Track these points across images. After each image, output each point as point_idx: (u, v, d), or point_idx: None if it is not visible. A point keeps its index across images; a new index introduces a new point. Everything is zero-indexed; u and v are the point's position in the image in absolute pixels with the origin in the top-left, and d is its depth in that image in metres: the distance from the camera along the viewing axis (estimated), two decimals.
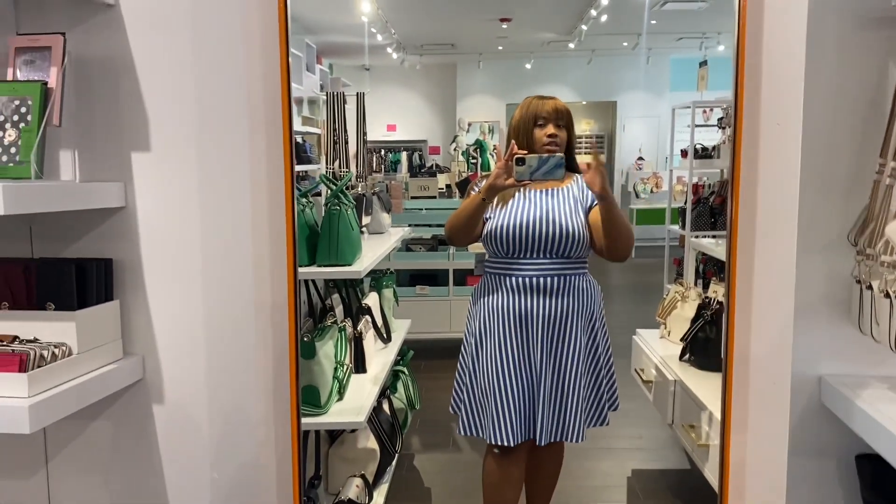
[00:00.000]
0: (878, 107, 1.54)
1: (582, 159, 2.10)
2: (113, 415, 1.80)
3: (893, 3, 1.44)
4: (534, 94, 2.33)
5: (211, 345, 1.75)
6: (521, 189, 2.23)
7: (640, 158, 11.52)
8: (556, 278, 2.17)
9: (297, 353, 1.47)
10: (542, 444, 2.20)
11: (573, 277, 2.20)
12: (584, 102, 13.03)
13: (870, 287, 1.46)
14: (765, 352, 1.47)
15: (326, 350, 2.25)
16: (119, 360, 1.72)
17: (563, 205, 2.20)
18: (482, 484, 2.34)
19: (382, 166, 11.17)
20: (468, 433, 2.25)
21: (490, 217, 2.22)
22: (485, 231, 2.22)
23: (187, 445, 1.81)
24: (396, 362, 3.06)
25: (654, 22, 8.54)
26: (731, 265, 1.44)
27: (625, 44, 10.54)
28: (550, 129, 2.21)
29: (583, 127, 13.49)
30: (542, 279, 2.17)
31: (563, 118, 2.24)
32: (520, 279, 2.17)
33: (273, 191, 1.39)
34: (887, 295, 1.39)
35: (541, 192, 2.23)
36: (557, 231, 2.15)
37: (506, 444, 2.16)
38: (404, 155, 12.21)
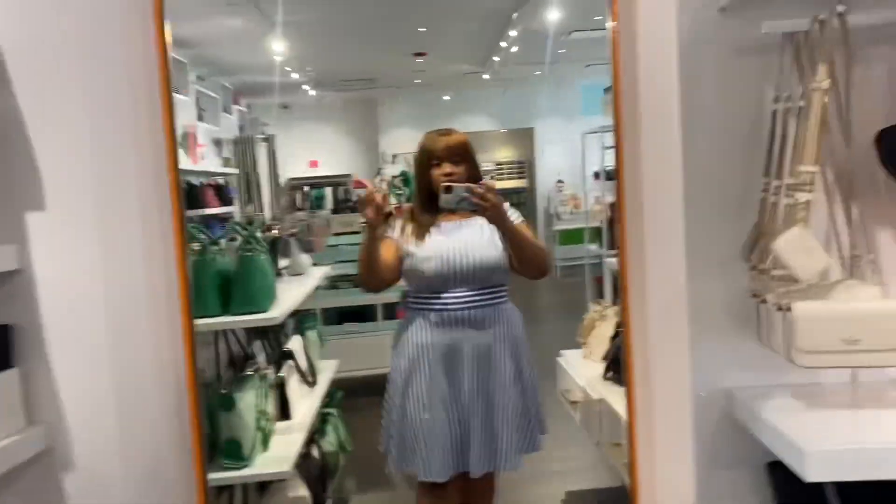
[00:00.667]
0: (760, 128, 1.63)
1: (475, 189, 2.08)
2: (19, 489, 1.71)
3: (764, 30, 1.54)
4: (454, 122, 2.38)
5: (120, 408, 1.69)
6: (436, 224, 2.25)
7: (560, 181, 11.79)
8: (478, 309, 2.19)
9: (197, 409, 1.43)
10: (477, 474, 2.19)
11: (495, 306, 2.22)
12: (504, 130, 13.28)
13: (764, 301, 1.53)
14: (665, 369, 1.51)
15: (247, 400, 2.20)
16: (21, 431, 1.65)
17: (479, 235, 2.22)
18: None
19: (307, 203, 11.08)
20: (400, 469, 2.23)
21: (409, 254, 2.23)
22: (404, 267, 2.23)
23: None
24: (325, 405, 3.01)
25: (562, 51, 8.80)
26: (623, 288, 1.49)
27: (537, 73, 10.82)
28: (446, 168, 2.20)
29: (504, 154, 13.74)
30: (464, 311, 2.18)
31: (457, 154, 2.22)
32: (443, 313, 2.18)
33: (167, 244, 1.36)
34: (780, 307, 1.46)
35: (456, 223, 2.25)
36: (476, 262, 2.17)
37: (438, 479, 2.14)
38: (328, 190, 12.14)
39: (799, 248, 1.39)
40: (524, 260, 2.18)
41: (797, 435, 1.33)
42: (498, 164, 13.37)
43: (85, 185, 1.65)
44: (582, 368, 3.08)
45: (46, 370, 1.68)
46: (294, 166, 10.50)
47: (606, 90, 4.56)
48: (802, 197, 1.41)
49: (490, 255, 2.18)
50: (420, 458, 2.16)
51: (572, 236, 9.94)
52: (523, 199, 13.20)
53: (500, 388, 2.19)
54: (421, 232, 2.23)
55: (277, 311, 2.24)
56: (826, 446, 1.29)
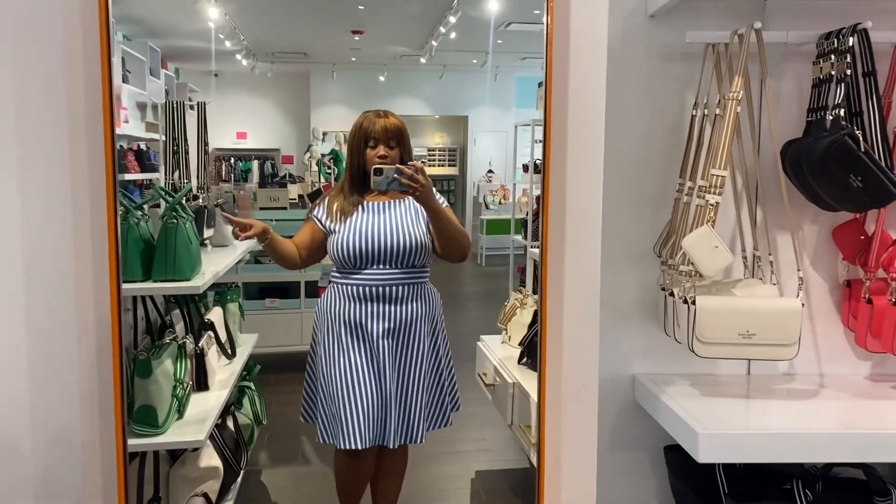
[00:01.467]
0: (680, 131, 1.72)
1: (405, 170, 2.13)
2: None
3: (688, 40, 1.62)
4: (388, 104, 2.39)
5: (34, 368, 1.66)
6: (364, 203, 2.28)
7: (490, 171, 11.91)
8: (398, 287, 2.25)
9: (121, 372, 1.42)
10: (393, 446, 2.26)
11: (415, 286, 2.29)
12: (437, 116, 13.30)
13: (672, 294, 1.63)
14: (575, 355, 1.59)
15: (164, 368, 2.17)
16: None
17: (404, 216, 2.28)
18: (334, 475, 2.41)
19: (232, 175, 10.83)
20: (326, 441, 2.29)
21: (334, 231, 2.27)
22: (329, 244, 2.27)
23: (9, 474, 1.70)
24: (242, 378, 3.00)
25: (500, 41, 8.89)
26: (542, 276, 1.55)
27: (474, 61, 10.87)
28: (381, 149, 2.25)
29: (436, 140, 13.76)
30: (385, 288, 2.24)
31: (393, 137, 2.27)
32: (364, 289, 2.24)
33: (96, 204, 1.34)
34: (685, 301, 1.56)
35: (382, 204, 2.30)
36: (398, 242, 2.23)
37: (356, 448, 2.21)
38: (255, 164, 11.91)
39: (705, 247, 1.48)
40: (447, 242, 2.24)
41: (692, 419, 1.43)
42: (430, 150, 13.38)
43: (7, 138, 1.61)
44: (500, 353, 3.17)
45: None
46: (221, 137, 10.24)
47: (540, 84, 4.66)
48: (712, 199, 1.51)
49: (414, 236, 2.24)
50: (341, 428, 2.22)
51: (498, 226, 10.08)
52: (453, 186, 13.30)
53: (417, 364, 2.28)
54: (348, 210, 2.27)
55: (200, 281, 2.22)
56: (718, 430, 1.39)
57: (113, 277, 1.35)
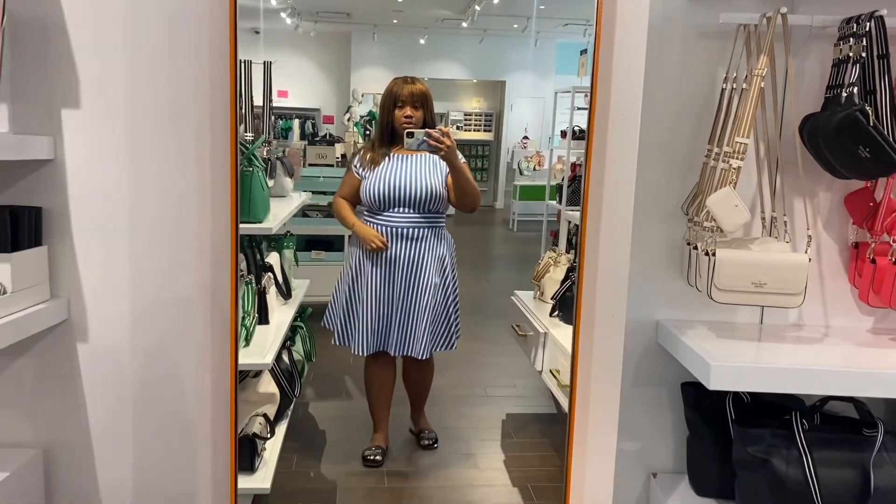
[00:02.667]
0: (711, 103, 1.91)
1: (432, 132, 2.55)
2: (38, 353, 1.94)
3: (721, 20, 1.80)
4: (426, 68, 2.83)
5: (136, 288, 1.92)
6: (391, 154, 2.77)
7: (526, 137, 12.01)
8: (416, 228, 2.74)
9: (236, 290, 1.67)
10: (395, 354, 2.82)
11: (431, 228, 2.77)
12: (475, 81, 13.36)
13: (695, 248, 1.83)
14: (607, 301, 1.79)
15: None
16: (46, 301, 1.87)
17: (424, 168, 2.75)
18: (364, 381, 3.00)
19: (273, 133, 11.07)
20: (338, 343, 2.88)
21: (365, 178, 2.77)
22: (362, 190, 2.77)
23: (110, 381, 1.98)
24: (295, 318, 3.27)
25: (542, 7, 8.96)
26: (582, 230, 1.76)
27: (515, 26, 10.93)
28: (408, 110, 2.72)
29: (473, 105, 13.83)
30: (404, 228, 2.74)
31: (419, 100, 2.73)
32: (386, 227, 2.74)
33: (216, 142, 1.57)
34: (707, 253, 1.76)
35: (406, 156, 2.77)
36: (417, 189, 2.70)
37: (362, 353, 2.80)
38: (296, 122, 12.13)
39: (726, 205, 1.68)
40: (462, 194, 2.72)
41: (706, 353, 1.64)
42: (466, 115, 13.47)
43: (117, 86, 1.84)
44: (532, 307, 3.40)
45: (71, 250, 1.90)
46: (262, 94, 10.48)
47: (583, 52, 4.80)
48: (735, 163, 1.70)
49: (431, 185, 2.71)
50: (355, 337, 2.81)
51: (531, 192, 10.22)
52: (487, 151, 13.41)
53: (424, 291, 2.77)
54: (377, 160, 2.76)
55: (272, 223, 2.48)
56: (727, 362, 1.61)
57: (232, 204, 1.58)
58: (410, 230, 2.73)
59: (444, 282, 2.81)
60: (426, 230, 2.76)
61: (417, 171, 2.73)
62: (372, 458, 2.86)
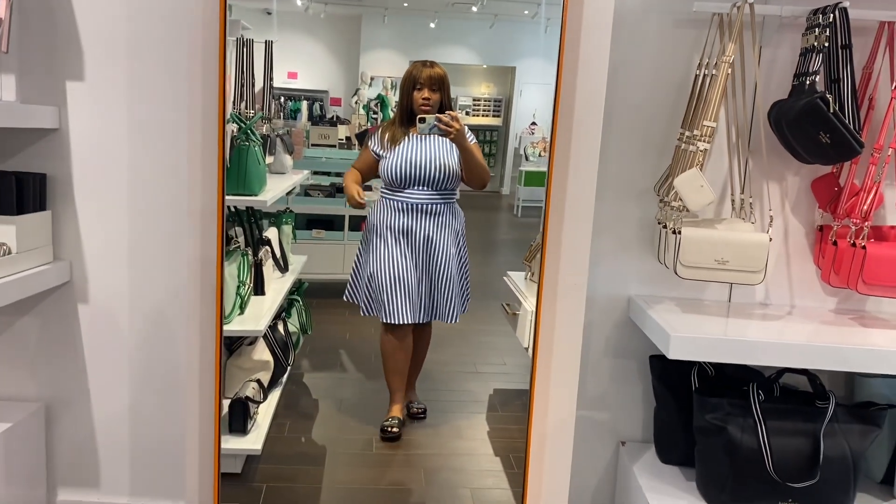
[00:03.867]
0: (685, 88, 1.99)
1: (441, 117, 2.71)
2: (41, 312, 2.06)
3: (694, 9, 1.88)
4: (436, 52, 2.96)
5: (134, 253, 2.03)
6: (409, 135, 2.91)
7: (533, 123, 12.03)
8: (433, 204, 2.90)
9: (222, 255, 1.77)
10: (423, 321, 2.96)
11: (446, 204, 2.94)
12: (485, 66, 13.38)
13: (665, 227, 1.92)
14: (569, 258, 1.83)
15: (231, 270, 2.54)
16: (50, 263, 1.98)
17: (440, 148, 2.90)
18: (381, 353, 3.07)
19: (282, 113, 11.14)
20: (368, 314, 2.99)
21: (385, 156, 2.91)
22: (380, 167, 2.92)
23: (108, 341, 2.09)
24: (292, 292, 3.37)
25: None
26: (547, 198, 1.84)
27: (525, 11, 10.92)
28: (425, 92, 2.87)
29: (482, 90, 13.84)
30: (423, 205, 2.89)
31: (436, 83, 2.88)
32: (406, 203, 2.89)
33: (206, 115, 1.66)
34: (674, 231, 1.85)
35: (426, 137, 2.91)
36: (435, 168, 2.86)
37: (398, 322, 2.91)
38: (304, 104, 12.20)
39: (692, 186, 1.76)
40: (472, 172, 2.90)
41: (668, 325, 1.73)
42: (475, 100, 13.48)
43: (120, 60, 1.94)
44: (522, 286, 3.49)
45: (73, 215, 2.01)
46: (272, 75, 10.55)
47: None
48: (702, 146, 1.79)
49: (447, 163, 2.87)
50: (385, 307, 2.93)
51: (536, 178, 10.26)
52: (496, 137, 13.45)
53: (446, 261, 2.95)
54: (397, 139, 2.91)
55: (267, 196, 2.58)
56: (686, 333, 1.70)
57: (220, 174, 1.68)
58: (429, 206, 2.90)
59: (459, 251, 3.02)
60: (443, 205, 2.92)
61: (435, 151, 2.89)
62: (391, 429, 2.90)
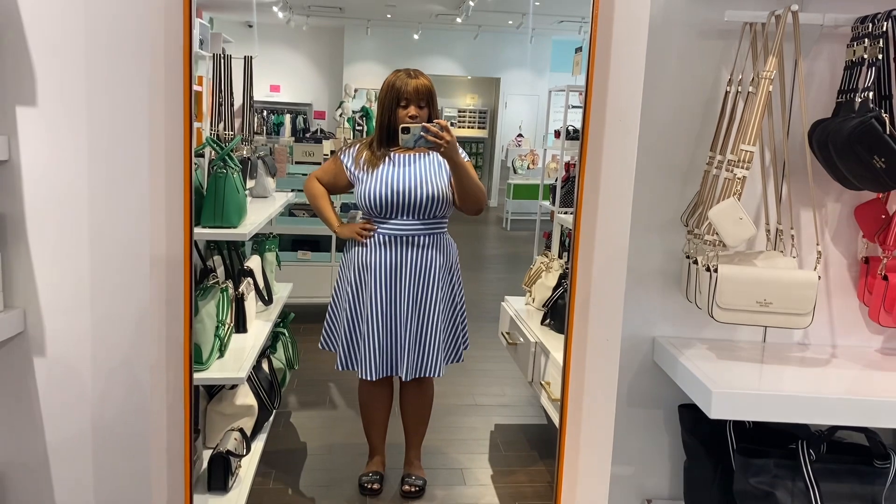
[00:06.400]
0: (713, 106, 1.79)
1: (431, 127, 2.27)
2: None
3: (726, 18, 1.68)
4: (420, 63, 2.57)
5: (96, 299, 1.79)
6: (390, 155, 2.48)
7: (520, 135, 11.90)
8: (420, 236, 2.46)
9: (191, 304, 1.55)
10: (407, 378, 2.50)
11: (435, 235, 2.50)
12: (470, 77, 13.24)
13: (695, 262, 1.71)
14: (601, 314, 1.68)
15: (209, 309, 2.31)
16: (0, 312, 1.74)
17: (428, 169, 2.47)
18: (359, 403, 2.74)
19: (264, 128, 10.93)
20: (343, 368, 2.56)
21: (361, 179, 2.47)
22: (357, 192, 2.48)
23: (69, 398, 1.85)
24: (277, 324, 3.14)
25: (537, 3, 8.84)
26: (575, 238, 1.64)
27: (510, 22, 10.81)
28: (412, 110, 2.41)
29: (467, 101, 13.72)
30: (408, 237, 2.45)
31: (423, 98, 2.42)
32: (389, 236, 2.46)
33: (171, 148, 1.45)
34: (708, 269, 1.64)
35: (407, 157, 2.50)
36: (423, 194, 2.42)
37: (371, 378, 2.49)
38: (288, 117, 12.02)
39: (730, 218, 1.56)
40: (466, 194, 2.43)
41: (707, 378, 1.52)
42: (460, 112, 13.38)
43: (78, 84, 1.71)
44: (523, 314, 3.28)
45: (27, 258, 1.76)
46: (255, 89, 10.36)
47: (577, 50, 4.68)
48: (740, 173, 1.58)
49: (437, 187, 2.43)
50: (360, 359, 2.49)
51: (525, 191, 10.14)
52: (482, 149, 13.29)
53: (433, 305, 2.49)
54: (376, 162, 2.46)
55: (246, 229, 2.35)
56: (730, 389, 1.49)
57: (186, 214, 1.46)
58: (415, 238, 2.45)
59: (451, 289, 2.57)
60: (432, 236, 2.47)
61: (422, 173, 2.44)
62: (370, 486, 2.64)
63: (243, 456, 2.38)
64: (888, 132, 1.48)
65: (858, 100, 1.55)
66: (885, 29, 1.52)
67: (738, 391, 1.49)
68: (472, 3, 8.77)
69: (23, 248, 1.76)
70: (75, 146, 1.73)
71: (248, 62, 3.18)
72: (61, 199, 1.75)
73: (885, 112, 1.53)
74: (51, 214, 1.75)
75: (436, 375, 2.52)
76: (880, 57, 1.52)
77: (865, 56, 1.55)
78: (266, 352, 2.96)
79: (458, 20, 10.40)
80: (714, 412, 1.47)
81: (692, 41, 1.78)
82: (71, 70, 1.71)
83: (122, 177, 1.71)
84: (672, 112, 1.80)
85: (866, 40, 1.55)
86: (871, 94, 1.53)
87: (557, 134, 4.78)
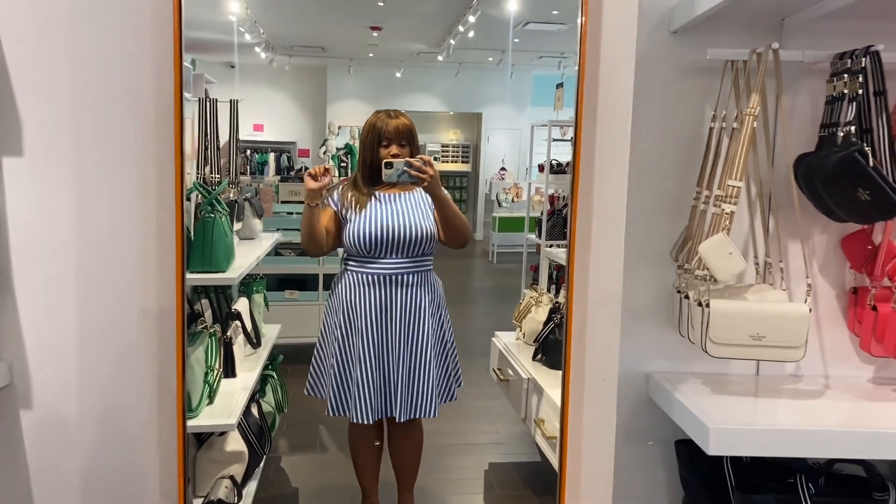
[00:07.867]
0: (698, 142, 1.81)
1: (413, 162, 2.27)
2: None
3: (708, 56, 1.71)
4: (403, 100, 2.59)
5: (84, 349, 1.77)
6: (376, 194, 2.48)
7: (503, 169, 11.97)
8: (409, 274, 2.46)
9: (183, 355, 1.53)
10: (401, 420, 2.47)
11: (421, 273, 2.49)
12: (452, 113, 13.36)
13: (687, 297, 1.72)
14: (597, 352, 1.68)
15: (197, 355, 2.28)
16: None
17: (415, 208, 2.48)
18: (350, 453, 2.68)
19: (248, 167, 10.92)
20: (334, 413, 2.49)
21: (349, 221, 2.46)
22: (344, 233, 2.46)
23: (56, 450, 1.82)
24: (266, 367, 3.10)
25: (517, 40, 8.96)
26: (570, 275, 1.65)
27: (490, 59, 10.93)
28: (394, 149, 2.43)
29: (450, 136, 13.81)
30: (398, 275, 2.44)
31: (405, 137, 2.45)
32: (376, 276, 2.44)
33: (161, 195, 1.45)
34: (700, 303, 1.65)
35: (392, 195, 2.50)
36: (411, 233, 2.43)
37: (365, 422, 2.44)
38: (272, 156, 12.02)
39: (720, 253, 1.57)
40: (451, 228, 2.45)
41: (703, 414, 1.52)
42: (444, 147, 13.44)
43: (63, 132, 1.71)
44: (514, 349, 3.27)
45: (13, 309, 1.75)
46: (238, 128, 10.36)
47: (559, 85, 4.74)
48: (728, 208, 1.60)
49: (424, 225, 2.44)
50: (352, 403, 2.44)
51: (510, 224, 10.15)
52: (465, 183, 13.36)
53: (424, 344, 2.47)
54: (362, 201, 2.46)
55: (235, 273, 2.33)
56: (727, 425, 1.48)
57: (178, 263, 1.45)
58: (402, 278, 2.45)
59: (440, 326, 2.54)
60: (420, 274, 2.48)
61: (408, 211, 2.46)
62: None
63: None
64: (871, 165, 1.50)
65: (841, 134, 1.57)
66: (863, 65, 1.55)
67: (736, 427, 1.49)
68: (452, 42, 8.88)
69: (9, 299, 1.75)
70: (61, 195, 1.72)
71: (234, 105, 3.19)
72: (48, 248, 1.74)
73: (867, 145, 1.55)
74: (37, 264, 1.74)
75: (431, 416, 2.48)
76: (860, 92, 1.55)
77: (846, 91, 1.58)
78: (255, 395, 2.92)
79: (440, 58, 10.50)
80: (712, 449, 1.46)
81: (675, 79, 1.81)
82: (57, 117, 1.71)
83: (109, 226, 1.70)
84: (658, 148, 1.82)
85: (846, 76, 1.59)
86: (853, 127, 1.55)
87: (541, 168, 4.81)
